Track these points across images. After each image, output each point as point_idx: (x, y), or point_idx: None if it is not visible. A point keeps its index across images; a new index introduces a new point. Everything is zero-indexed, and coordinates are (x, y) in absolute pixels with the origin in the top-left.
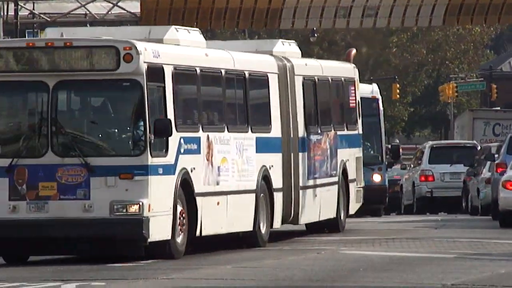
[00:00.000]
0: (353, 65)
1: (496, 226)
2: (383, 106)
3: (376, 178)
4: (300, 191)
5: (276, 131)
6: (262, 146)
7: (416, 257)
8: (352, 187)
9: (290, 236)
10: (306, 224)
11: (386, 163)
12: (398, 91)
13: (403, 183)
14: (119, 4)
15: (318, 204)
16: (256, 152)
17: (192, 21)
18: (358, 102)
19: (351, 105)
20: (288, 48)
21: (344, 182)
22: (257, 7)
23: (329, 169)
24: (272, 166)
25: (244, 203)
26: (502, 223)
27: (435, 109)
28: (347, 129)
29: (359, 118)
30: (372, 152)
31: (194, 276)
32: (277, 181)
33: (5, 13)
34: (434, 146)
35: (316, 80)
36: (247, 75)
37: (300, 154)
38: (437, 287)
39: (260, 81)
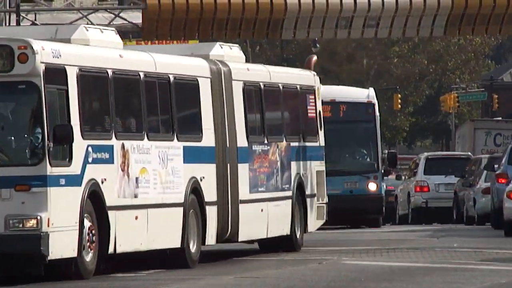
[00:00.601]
0: (313, 72)
1: (497, 235)
2: (380, 113)
3: (372, 186)
4: (240, 205)
5: (208, 139)
6: (191, 156)
7: (417, 267)
8: (311, 203)
9: (239, 255)
10: (258, 243)
11: (383, 171)
12: (399, 101)
13: (398, 193)
14: (121, 15)
15: (264, 220)
16: (184, 162)
17: (194, 32)
18: (320, 112)
19: (309, 115)
20: (228, 51)
21: (300, 197)
22: (258, 18)
23: (279, 183)
24: (203, 177)
25: (169, 217)
26: (508, 233)
27: (437, 119)
28: (304, 141)
29: (321, 129)
30: (367, 159)
31: (195, 286)
32: (210, 194)
33: (7, 24)
34: (429, 157)
35: (262, 87)
36: (171, 78)
37: (240, 165)
38: None
39: (188, 85)
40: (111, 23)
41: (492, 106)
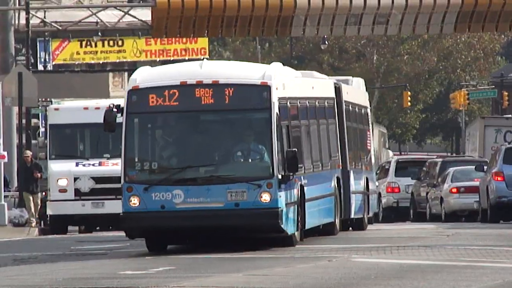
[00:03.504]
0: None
1: (500, 232)
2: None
3: (265, 197)
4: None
5: None
6: None
7: (427, 264)
8: None
9: None
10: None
11: (280, 176)
12: (409, 98)
13: None
14: (131, 12)
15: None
16: None
17: (203, 29)
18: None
19: None
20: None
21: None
22: (268, 15)
23: None
24: None
25: None
26: None
27: (446, 117)
28: None
29: None
30: (259, 161)
31: (205, 284)
32: None
33: (17, 22)
34: (400, 160)
35: None
36: None
37: None
38: None
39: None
40: (121, 20)
41: (502, 103)
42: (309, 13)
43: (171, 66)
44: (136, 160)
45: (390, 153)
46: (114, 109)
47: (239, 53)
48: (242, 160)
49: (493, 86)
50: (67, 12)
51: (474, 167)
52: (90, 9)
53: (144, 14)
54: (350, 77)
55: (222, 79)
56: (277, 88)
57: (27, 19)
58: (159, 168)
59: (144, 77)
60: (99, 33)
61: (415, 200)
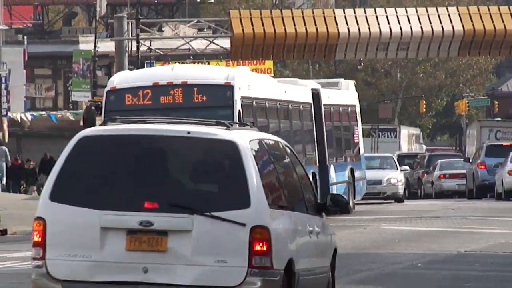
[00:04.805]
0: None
1: (493, 205)
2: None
3: None
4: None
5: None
6: None
7: (438, 231)
8: None
9: None
10: None
11: None
12: (424, 106)
13: None
14: (215, 41)
15: None
16: None
17: (269, 54)
18: None
19: None
20: None
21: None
22: (318, 43)
23: None
24: None
25: None
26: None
27: (452, 120)
28: None
29: None
30: None
31: None
32: None
33: (130, 49)
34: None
35: None
36: None
37: None
38: (454, 254)
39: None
40: (207, 48)
41: (494, 109)
42: (349, 41)
43: (145, 70)
44: None
45: (424, 147)
46: (93, 108)
47: (296, 72)
48: None
49: (487, 97)
50: (167, 41)
51: (455, 159)
52: (185, 39)
53: (225, 43)
54: (340, 80)
55: (190, 80)
56: (240, 88)
57: (138, 47)
58: None
59: (121, 79)
60: (191, 57)
61: (410, 183)
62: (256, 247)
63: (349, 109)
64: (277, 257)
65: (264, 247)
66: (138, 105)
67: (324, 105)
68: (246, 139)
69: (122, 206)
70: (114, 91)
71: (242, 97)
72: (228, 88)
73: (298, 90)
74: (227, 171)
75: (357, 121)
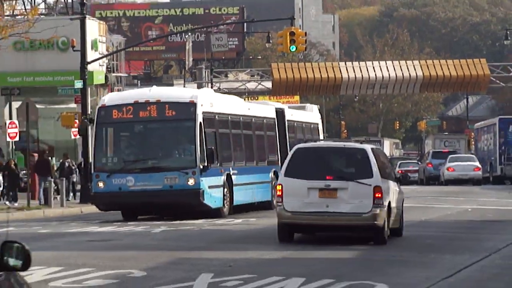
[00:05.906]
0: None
1: (439, 190)
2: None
3: (190, 181)
4: None
5: None
6: None
7: (407, 206)
8: None
9: None
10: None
11: (201, 166)
12: (398, 125)
13: None
14: (262, 83)
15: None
16: None
17: (297, 91)
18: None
19: None
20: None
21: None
22: (328, 84)
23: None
24: None
25: None
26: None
27: (416, 134)
28: None
29: None
30: (187, 156)
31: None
32: None
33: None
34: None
35: None
36: None
37: None
38: (418, 221)
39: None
40: (256, 88)
41: (443, 127)
42: (349, 83)
43: (130, 91)
44: (102, 156)
45: (402, 151)
46: (86, 120)
47: (313, 102)
48: (175, 155)
49: (438, 119)
50: (230, 83)
51: (411, 161)
52: (242, 82)
53: (268, 84)
54: (307, 104)
55: (163, 99)
56: (202, 105)
57: (211, 87)
58: (118, 161)
59: (110, 98)
60: (246, 94)
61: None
62: (376, 195)
63: (312, 126)
64: (384, 200)
65: (379, 195)
66: (123, 118)
67: (288, 120)
68: (368, 147)
69: (313, 178)
70: (104, 107)
71: (204, 112)
72: (192, 105)
73: (262, 108)
74: (361, 163)
75: (319, 135)
